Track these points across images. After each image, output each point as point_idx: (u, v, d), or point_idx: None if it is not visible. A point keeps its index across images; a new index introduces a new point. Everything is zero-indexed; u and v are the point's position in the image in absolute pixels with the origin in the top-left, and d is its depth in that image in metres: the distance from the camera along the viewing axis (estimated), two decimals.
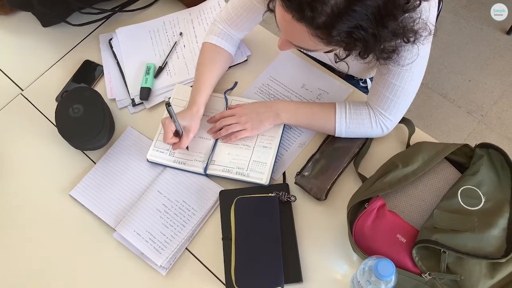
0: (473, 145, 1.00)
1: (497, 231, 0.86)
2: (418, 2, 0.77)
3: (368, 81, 1.33)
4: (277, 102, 1.10)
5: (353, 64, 1.08)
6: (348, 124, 1.04)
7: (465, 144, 0.99)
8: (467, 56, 2.27)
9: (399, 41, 0.81)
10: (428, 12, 0.86)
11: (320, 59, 1.22)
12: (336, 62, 1.04)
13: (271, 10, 0.90)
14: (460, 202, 0.91)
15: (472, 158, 0.98)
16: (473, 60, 2.26)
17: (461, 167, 1.00)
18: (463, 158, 1.00)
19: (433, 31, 0.85)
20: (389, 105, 1.00)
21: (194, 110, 1.06)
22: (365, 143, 1.07)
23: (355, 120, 1.04)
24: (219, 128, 1.09)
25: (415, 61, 0.91)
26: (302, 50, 0.96)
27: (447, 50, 2.28)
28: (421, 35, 0.82)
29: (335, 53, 1.03)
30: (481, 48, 2.28)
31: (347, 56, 0.91)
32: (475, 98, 2.16)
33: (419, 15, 0.80)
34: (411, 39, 0.81)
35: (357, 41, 0.75)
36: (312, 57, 1.24)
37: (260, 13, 1.08)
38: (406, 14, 0.77)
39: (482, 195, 0.91)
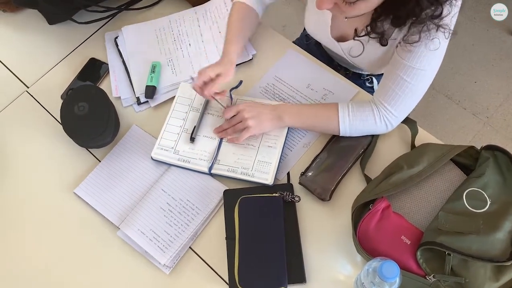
0: (478, 147, 0.99)
1: (503, 234, 0.85)
2: None
3: (375, 81, 1.33)
4: (279, 105, 1.10)
5: (368, 50, 1.08)
6: (351, 121, 1.03)
7: (471, 146, 0.99)
8: (472, 58, 2.26)
9: (437, 4, 0.81)
10: (453, 16, 0.87)
11: (336, 51, 1.20)
12: (354, 39, 1.03)
13: None
14: (466, 204, 0.90)
15: (478, 160, 0.97)
16: (478, 61, 2.25)
17: (467, 169, 0.99)
18: (468, 160, 1.00)
19: (447, 34, 0.87)
20: (396, 101, 1.00)
21: (225, 59, 1.07)
22: (370, 143, 1.07)
23: (358, 117, 1.03)
24: (226, 127, 1.09)
25: (429, 60, 0.91)
26: (340, 13, 0.92)
27: (452, 51, 2.27)
28: (443, 27, 0.85)
29: (355, 29, 1.02)
30: (486, 50, 2.27)
31: (366, 34, 0.90)
32: (481, 99, 2.15)
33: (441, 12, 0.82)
34: (440, 17, 0.83)
35: None
36: (318, 58, 1.23)
37: None
38: None
39: (487, 198, 0.90)
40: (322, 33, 1.15)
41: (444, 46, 0.93)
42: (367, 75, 1.33)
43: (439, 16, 0.83)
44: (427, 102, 2.15)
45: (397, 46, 0.96)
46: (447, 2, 0.82)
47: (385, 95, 1.01)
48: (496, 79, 2.19)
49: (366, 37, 0.95)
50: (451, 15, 0.86)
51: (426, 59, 0.93)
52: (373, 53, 1.08)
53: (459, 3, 0.89)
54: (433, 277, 0.87)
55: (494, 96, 2.16)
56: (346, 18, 1.04)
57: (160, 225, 1.03)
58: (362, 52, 1.11)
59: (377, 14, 0.87)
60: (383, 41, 0.89)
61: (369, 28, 0.90)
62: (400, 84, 0.97)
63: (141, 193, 1.07)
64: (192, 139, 1.10)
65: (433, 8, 0.82)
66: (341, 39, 1.14)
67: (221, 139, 1.10)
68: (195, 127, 1.11)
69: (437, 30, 0.86)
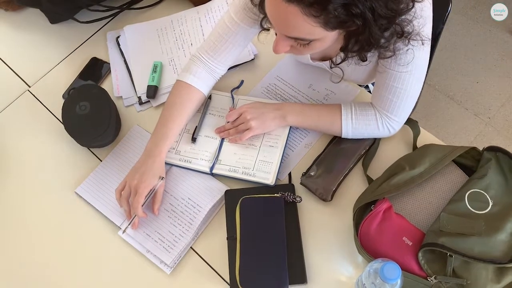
0: (479, 148, 0.99)
1: (505, 235, 0.85)
2: (411, 4, 0.77)
3: (370, 86, 1.32)
4: (283, 104, 1.09)
5: (350, 71, 1.07)
6: (354, 125, 1.03)
7: (472, 147, 0.98)
8: (475, 58, 2.25)
9: (396, 27, 0.80)
10: (423, 26, 0.85)
11: (322, 68, 1.20)
12: (331, 67, 1.03)
13: (263, 28, 0.94)
14: (467, 205, 0.90)
15: (480, 162, 0.97)
16: (481, 61, 2.24)
17: (469, 170, 0.99)
18: (470, 161, 0.99)
19: (425, 41, 0.86)
20: (393, 107, 0.99)
21: (155, 165, 1.00)
22: (373, 144, 1.07)
23: (361, 121, 1.03)
24: (229, 128, 1.09)
25: (414, 63, 0.90)
26: (299, 54, 0.92)
27: (455, 51, 2.27)
28: (413, 39, 0.83)
29: (330, 60, 1.02)
30: (489, 50, 2.27)
31: (343, 60, 0.90)
32: (483, 100, 2.15)
33: (411, 18, 0.80)
34: (405, 34, 0.81)
35: (356, 18, 0.73)
36: None
37: (244, 35, 1.03)
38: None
39: (489, 199, 0.90)
40: (302, 57, 1.13)
41: (422, 49, 0.90)
42: None
43: (402, 35, 0.82)
44: (429, 103, 2.15)
45: (377, 56, 0.95)
46: (405, 24, 0.80)
47: (381, 103, 1.00)
48: (498, 80, 2.19)
49: (343, 63, 0.95)
50: (418, 27, 0.83)
51: (410, 64, 0.92)
52: (356, 72, 1.06)
53: (425, 13, 0.86)
54: (435, 278, 0.87)
55: (496, 97, 2.15)
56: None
57: (164, 226, 1.03)
58: (343, 77, 1.09)
59: (344, 46, 0.86)
60: (362, 57, 0.88)
61: (342, 54, 0.89)
62: (393, 91, 0.96)
63: None
64: (193, 139, 1.09)
65: (389, 34, 0.80)
66: (324, 58, 1.11)
67: (223, 139, 1.10)
68: (196, 127, 1.11)
69: (407, 44, 0.85)
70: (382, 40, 0.81)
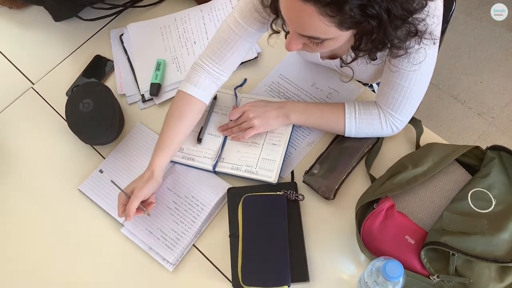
0: (483, 147, 0.99)
1: (508, 234, 0.85)
2: (424, 2, 0.77)
3: (374, 85, 1.32)
4: (286, 102, 1.09)
5: (360, 70, 1.07)
6: (358, 124, 1.03)
7: (476, 146, 0.98)
8: (478, 58, 2.25)
9: (410, 27, 0.79)
10: (436, 26, 0.85)
11: (331, 67, 1.20)
12: (341, 66, 1.03)
13: (273, 30, 0.93)
14: (470, 204, 0.90)
15: (483, 161, 0.97)
16: (484, 61, 2.24)
17: (472, 170, 0.99)
18: (473, 160, 0.99)
19: (436, 41, 0.85)
20: (398, 106, 0.99)
21: (146, 175, 0.99)
22: (376, 143, 1.07)
23: (364, 120, 1.03)
24: (232, 126, 1.09)
25: (422, 63, 0.90)
26: (311, 51, 0.90)
27: (458, 51, 2.26)
28: (425, 38, 0.82)
29: (341, 58, 1.02)
30: (493, 50, 2.26)
31: (354, 59, 0.90)
32: (486, 100, 2.14)
33: (424, 16, 0.80)
34: (419, 33, 0.81)
35: (371, 19, 0.72)
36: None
37: (250, 39, 1.02)
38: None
39: (492, 198, 0.90)
40: (312, 56, 1.13)
41: (433, 48, 0.90)
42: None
43: (416, 34, 0.81)
44: (432, 102, 2.14)
45: (388, 55, 0.94)
46: (419, 21, 0.79)
47: (386, 102, 1.00)
48: (502, 79, 2.18)
49: (353, 62, 0.94)
50: (431, 27, 0.83)
51: (421, 63, 0.91)
52: (365, 71, 1.06)
53: (438, 12, 0.86)
54: (437, 277, 0.86)
55: (499, 96, 2.15)
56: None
57: (167, 223, 1.03)
58: (353, 76, 1.09)
59: (355, 45, 0.86)
60: (372, 56, 0.88)
61: (353, 54, 0.89)
62: (398, 90, 0.96)
63: None
64: (199, 140, 1.09)
65: (403, 34, 0.80)
66: (333, 57, 1.10)
67: (226, 137, 1.10)
68: (202, 127, 1.11)
69: (420, 43, 0.84)
70: (396, 40, 0.81)
